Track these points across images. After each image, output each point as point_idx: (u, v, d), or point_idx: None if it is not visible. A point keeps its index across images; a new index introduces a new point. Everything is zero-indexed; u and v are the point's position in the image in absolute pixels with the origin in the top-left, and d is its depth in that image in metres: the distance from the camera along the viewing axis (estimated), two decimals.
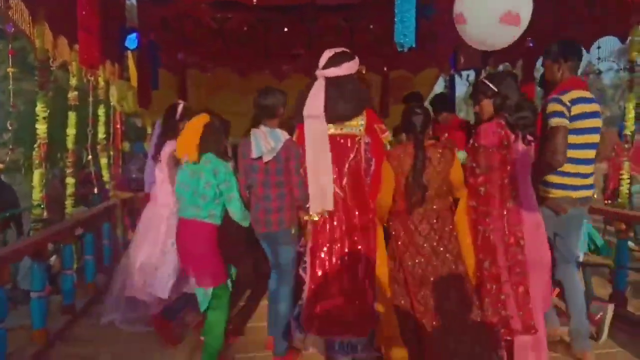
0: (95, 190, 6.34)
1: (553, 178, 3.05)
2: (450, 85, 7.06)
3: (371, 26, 5.63)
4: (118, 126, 6.30)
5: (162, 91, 5.95)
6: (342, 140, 3.06)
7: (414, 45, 2.96)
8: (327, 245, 3.02)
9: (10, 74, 3.68)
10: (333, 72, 3.01)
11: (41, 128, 3.78)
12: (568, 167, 2.97)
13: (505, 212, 2.88)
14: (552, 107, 2.95)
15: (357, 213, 3.04)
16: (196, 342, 3.46)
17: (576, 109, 2.96)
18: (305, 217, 3.07)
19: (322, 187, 2.99)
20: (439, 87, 7.67)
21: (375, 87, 6.65)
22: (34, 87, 3.83)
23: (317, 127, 3.00)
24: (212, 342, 3.06)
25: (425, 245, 2.93)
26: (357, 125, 3.07)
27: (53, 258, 5.46)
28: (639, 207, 6.38)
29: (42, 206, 3.77)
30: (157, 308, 3.53)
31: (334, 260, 3.01)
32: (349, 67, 3.05)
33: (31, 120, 3.92)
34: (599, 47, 4.54)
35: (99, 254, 4.95)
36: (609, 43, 4.57)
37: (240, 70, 7.36)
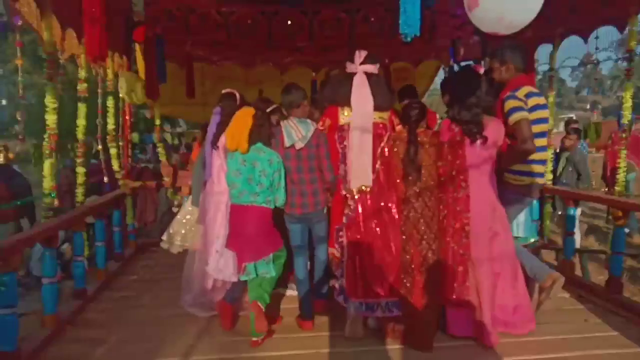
0: (106, 180, 6.49)
1: (521, 167, 3.42)
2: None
3: (372, 18, 5.67)
4: (127, 117, 6.43)
5: (169, 83, 6.06)
6: (377, 127, 3.40)
7: (418, 35, 3.05)
8: (363, 219, 3.33)
9: (19, 65, 3.76)
10: (371, 69, 3.38)
11: (51, 119, 3.87)
12: (532, 155, 3.33)
13: (453, 201, 3.25)
14: (510, 104, 3.29)
15: (387, 193, 3.36)
16: (202, 327, 3.60)
17: (531, 102, 3.34)
18: (345, 193, 3.39)
19: (363, 165, 3.32)
20: (440, 79, 7.69)
21: None
22: (44, 80, 3.90)
23: (365, 114, 3.33)
24: (268, 283, 3.39)
25: (421, 220, 3.29)
26: (386, 116, 3.46)
27: (65, 245, 5.63)
28: (635, 194, 6.42)
29: (52, 195, 3.88)
30: (221, 293, 3.69)
31: (370, 233, 3.32)
32: (377, 67, 3.45)
33: (42, 112, 4.00)
34: (597, 37, 4.57)
35: (109, 241, 5.09)
36: (608, 34, 4.60)
37: (244, 62, 7.44)
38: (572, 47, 4.88)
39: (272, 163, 3.31)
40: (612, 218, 4.32)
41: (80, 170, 4.63)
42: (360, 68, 3.38)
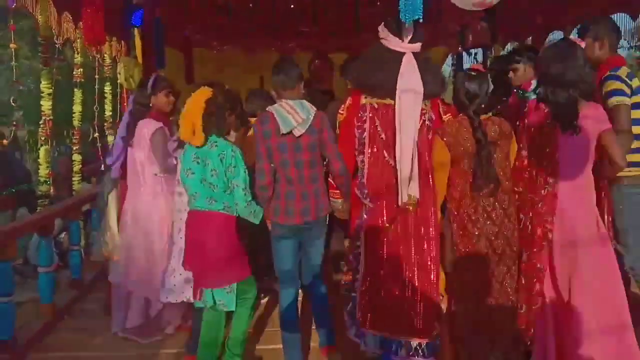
0: (102, 167, 6.40)
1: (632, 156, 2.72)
2: (458, 64, 6.96)
3: (377, 2, 5.54)
4: (125, 104, 6.33)
5: (168, 69, 5.94)
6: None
7: (421, 19, 2.60)
8: (384, 229, 2.64)
9: (13, 50, 3.67)
10: (419, 47, 2.66)
11: (46, 105, 3.81)
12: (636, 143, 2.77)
13: (534, 201, 2.57)
14: (612, 85, 2.76)
15: (422, 195, 2.62)
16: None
17: (634, 83, 2.82)
18: (366, 202, 2.66)
19: (413, 174, 2.58)
20: (448, 66, 7.58)
21: None
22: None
23: (411, 103, 2.59)
24: (236, 342, 2.79)
25: (498, 235, 2.59)
26: (428, 101, 2.73)
27: (63, 235, 5.57)
28: None
29: (48, 183, 3.81)
30: (172, 316, 3.31)
31: (392, 247, 2.63)
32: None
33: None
34: None
35: None
36: (622, 22, 4.47)
37: (246, 48, 7.32)
38: None
39: (225, 158, 2.64)
40: None
41: (77, 157, 4.56)
42: (406, 47, 2.63)
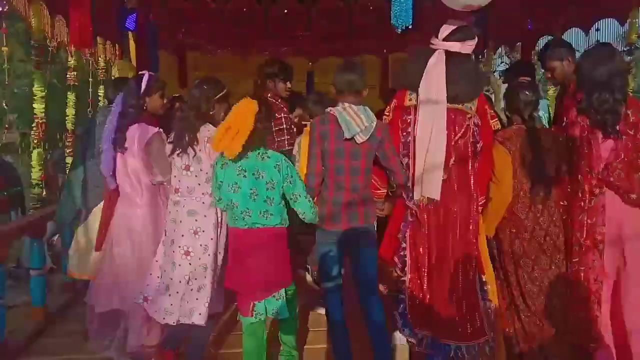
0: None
1: None
2: None
3: (370, 7, 5.58)
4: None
5: (162, 73, 5.95)
6: (452, 115, 2.65)
7: (410, 25, 2.75)
8: (428, 236, 2.68)
9: (5, 53, 3.67)
10: (456, 47, 2.62)
11: (38, 107, 3.79)
12: None
13: (582, 211, 2.61)
14: None
15: (460, 200, 2.66)
16: None
17: None
18: (410, 204, 2.72)
19: (430, 172, 2.62)
20: None
21: (375, 69, 6.63)
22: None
23: (435, 107, 2.61)
24: (291, 339, 2.85)
25: (547, 239, 2.70)
26: (472, 104, 2.70)
27: (56, 237, 5.55)
28: None
29: (41, 186, 3.80)
30: (153, 336, 2.98)
31: (435, 253, 2.68)
32: (470, 46, 2.67)
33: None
34: (597, 30, 4.50)
35: None
36: (611, 27, 4.52)
37: (240, 52, 7.33)
38: (574, 40, 4.79)
39: (281, 169, 2.54)
40: None
41: (70, 160, 4.56)
42: (440, 45, 2.64)
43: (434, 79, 2.59)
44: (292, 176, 2.56)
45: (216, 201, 2.68)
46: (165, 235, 2.82)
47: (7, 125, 6.97)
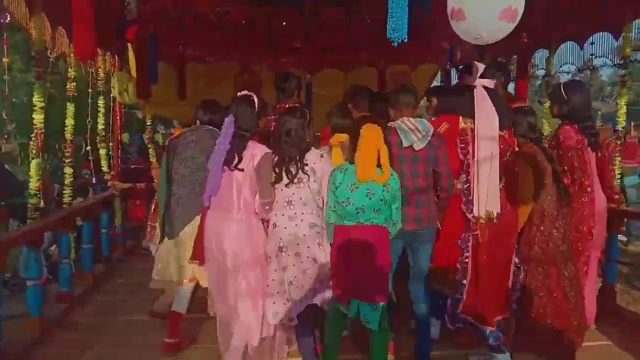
0: (94, 181, 6.40)
1: None
2: (446, 80, 7.05)
3: (368, 20, 5.63)
4: (118, 117, 6.35)
5: (161, 83, 5.99)
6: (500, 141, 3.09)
7: (405, 40, 2.90)
8: (487, 244, 3.07)
9: (5, 64, 3.70)
10: (490, 84, 3.14)
11: (38, 118, 3.81)
12: None
13: (580, 206, 3.29)
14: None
15: (506, 212, 3.09)
16: (189, 332, 3.49)
17: None
18: (470, 216, 3.07)
19: (492, 188, 3.00)
20: (438, 82, 7.64)
21: (372, 81, 6.67)
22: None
23: (493, 135, 3.02)
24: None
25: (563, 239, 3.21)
26: (504, 132, 3.16)
27: (53, 247, 5.54)
28: (634, 201, 6.42)
29: (39, 196, 3.80)
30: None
31: (490, 257, 3.09)
32: (494, 82, 3.22)
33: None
34: (592, 43, 4.56)
35: (97, 243, 5.02)
36: (606, 41, 4.59)
37: (239, 64, 7.37)
38: (569, 53, 4.86)
39: (395, 181, 2.79)
40: None
41: (68, 170, 4.57)
42: (480, 82, 3.10)
43: (489, 109, 3.02)
44: (398, 190, 2.81)
45: (330, 208, 2.84)
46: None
47: (6, 136, 6.97)
